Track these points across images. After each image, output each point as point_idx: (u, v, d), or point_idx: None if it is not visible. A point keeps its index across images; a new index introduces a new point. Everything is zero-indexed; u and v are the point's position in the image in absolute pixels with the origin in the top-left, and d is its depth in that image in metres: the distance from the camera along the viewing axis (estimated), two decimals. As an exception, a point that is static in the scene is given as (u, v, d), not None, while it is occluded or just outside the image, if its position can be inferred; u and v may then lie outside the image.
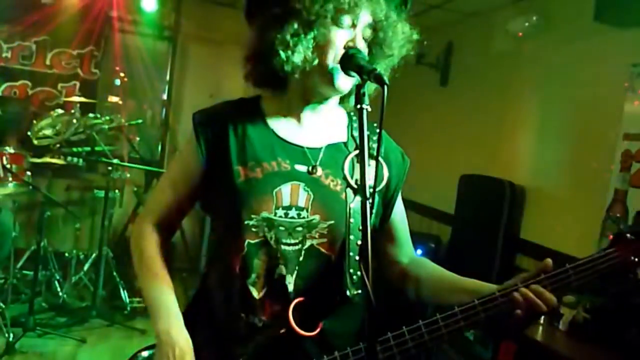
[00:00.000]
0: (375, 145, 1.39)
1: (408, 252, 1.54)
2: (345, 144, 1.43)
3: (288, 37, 1.28)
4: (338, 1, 1.28)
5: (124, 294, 4.29)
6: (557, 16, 3.39)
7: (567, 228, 3.11)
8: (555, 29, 3.40)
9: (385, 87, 1.13)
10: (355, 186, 1.35)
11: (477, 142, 4.03)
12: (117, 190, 4.56)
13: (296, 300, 1.29)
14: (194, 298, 1.48)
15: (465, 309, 1.23)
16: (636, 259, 1.27)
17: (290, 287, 1.29)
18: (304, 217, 1.31)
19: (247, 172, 1.32)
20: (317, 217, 1.32)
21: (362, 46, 1.33)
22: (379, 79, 1.15)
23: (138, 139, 4.90)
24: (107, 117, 4.57)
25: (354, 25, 1.32)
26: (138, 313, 4.28)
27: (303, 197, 1.33)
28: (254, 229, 1.29)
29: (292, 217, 1.31)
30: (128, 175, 4.58)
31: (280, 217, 1.30)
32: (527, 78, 3.65)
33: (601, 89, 3.06)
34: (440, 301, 1.40)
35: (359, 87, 1.21)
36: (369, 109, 1.19)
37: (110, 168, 4.29)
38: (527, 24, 3.45)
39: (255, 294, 1.29)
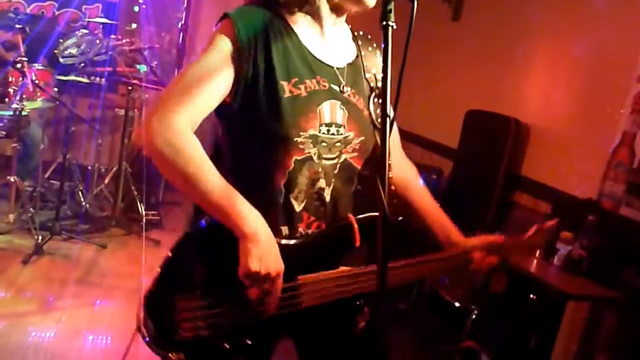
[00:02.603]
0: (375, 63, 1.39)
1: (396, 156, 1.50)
2: (358, 58, 1.38)
3: None
4: None
5: (140, 207, 4.20)
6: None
7: (570, 168, 2.88)
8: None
9: (415, 2, 1.03)
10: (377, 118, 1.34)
11: (485, 79, 3.73)
12: (136, 110, 4.41)
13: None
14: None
15: (423, 261, 1.35)
16: None
17: (327, 199, 1.29)
18: (341, 134, 1.29)
19: (292, 88, 1.21)
20: (352, 133, 1.31)
21: None
22: None
23: (155, 62, 4.71)
24: (127, 40, 4.42)
25: None
26: (153, 225, 4.24)
27: (340, 115, 1.29)
28: (301, 146, 1.22)
29: (333, 134, 1.27)
30: (146, 95, 4.43)
31: (324, 133, 1.26)
32: (541, 17, 3.31)
33: (617, 30, 2.75)
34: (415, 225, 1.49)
35: (385, 3, 1.04)
36: (395, 27, 1.03)
37: (130, 88, 4.15)
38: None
39: (297, 207, 1.26)
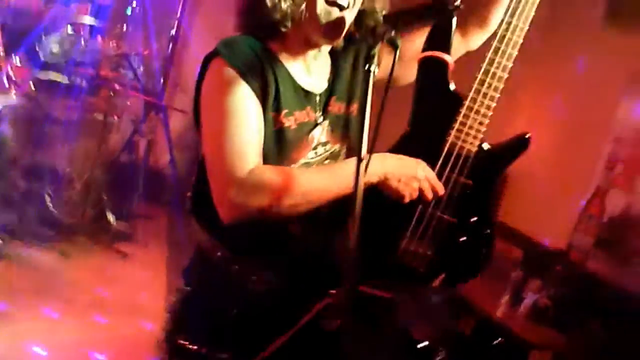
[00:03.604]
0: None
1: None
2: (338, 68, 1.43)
3: None
4: None
5: (110, 216, 4.15)
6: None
7: (544, 216, 2.99)
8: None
9: (397, 50, 1.13)
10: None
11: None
12: (115, 117, 4.37)
13: None
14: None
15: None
16: None
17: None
18: (328, 150, 1.37)
19: (283, 119, 1.26)
20: (337, 146, 1.39)
21: None
22: (392, 45, 1.13)
23: (142, 68, 4.70)
24: (114, 43, 4.38)
25: None
26: (122, 237, 4.17)
27: (324, 133, 1.37)
28: None
29: (321, 154, 1.35)
30: (128, 103, 4.40)
31: (313, 157, 1.33)
32: (524, 71, 3.43)
33: (595, 91, 2.91)
34: None
35: (369, 48, 1.15)
36: (377, 72, 1.13)
37: (112, 93, 4.12)
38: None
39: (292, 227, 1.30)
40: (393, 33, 1.12)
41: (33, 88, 4.08)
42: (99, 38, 4.42)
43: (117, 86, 4.17)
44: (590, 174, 2.78)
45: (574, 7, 3.13)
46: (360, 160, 1.07)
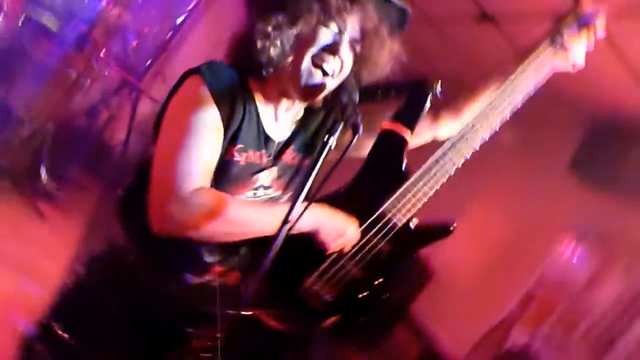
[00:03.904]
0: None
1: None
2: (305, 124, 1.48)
3: (269, 28, 1.23)
4: (324, 1, 1.22)
5: (43, 172, 4.03)
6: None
7: (455, 323, 3.09)
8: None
9: (356, 136, 1.17)
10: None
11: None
12: (88, 80, 4.25)
13: None
14: None
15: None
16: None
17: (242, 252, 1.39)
18: (268, 194, 1.39)
19: (234, 153, 1.28)
20: (279, 192, 1.42)
21: (347, 57, 1.30)
22: (354, 130, 1.17)
23: (134, 44, 4.65)
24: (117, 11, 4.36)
25: (341, 32, 1.27)
26: (46, 196, 4.01)
27: (269, 178, 1.39)
28: None
29: (260, 196, 1.38)
30: (106, 72, 4.32)
31: (251, 197, 1.36)
32: (474, 184, 3.64)
33: (541, 226, 3.08)
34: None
35: (334, 122, 1.21)
36: (332, 148, 1.18)
37: (94, 57, 4.07)
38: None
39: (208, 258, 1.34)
40: (359, 119, 1.19)
41: (20, 22, 3.99)
42: (104, 1, 4.38)
43: (102, 53, 4.12)
44: (509, 302, 2.91)
45: (542, 147, 3.35)
46: (292, 208, 1.12)
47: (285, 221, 1.12)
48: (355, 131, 1.17)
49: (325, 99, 1.41)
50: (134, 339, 1.30)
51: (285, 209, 1.14)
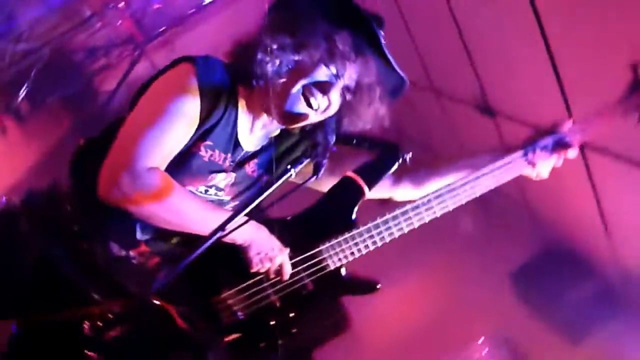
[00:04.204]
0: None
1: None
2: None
3: (275, 46, 1.28)
4: (332, 43, 1.28)
5: (23, 90, 4.00)
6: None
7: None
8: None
9: (314, 177, 1.25)
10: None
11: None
12: (99, 23, 4.30)
13: None
14: None
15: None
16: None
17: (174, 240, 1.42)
18: (218, 196, 1.42)
19: (201, 147, 1.32)
20: (228, 198, 1.45)
21: (336, 100, 1.34)
22: (316, 169, 1.25)
23: (154, 7, 4.65)
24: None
25: (338, 76, 1.31)
26: (15, 112, 4.03)
27: (225, 182, 1.42)
28: None
29: (209, 195, 1.41)
30: (119, 22, 4.35)
31: (200, 193, 1.39)
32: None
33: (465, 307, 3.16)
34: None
35: (302, 155, 1.34)
36: (293, 177, 1.26)
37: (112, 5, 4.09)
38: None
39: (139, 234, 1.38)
40: (324, 162, 1.25)
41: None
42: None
43: (122, 3, 4.14)
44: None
45: (493, 245, 3.44)
46: (233, 217, 1.17)
47: (222, 228, 1.15)
48: (316, 171, 1.22)
49: (303, 129, 1.47)
50: (37, 282, 1.30)
51: (225, 216, 1.18)
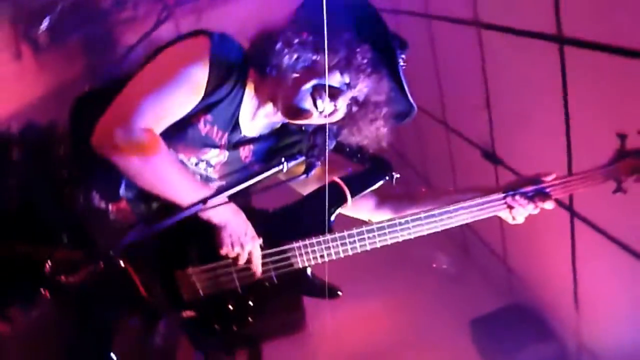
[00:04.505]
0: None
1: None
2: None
3: (296, 40, 1.30)
4: (352, 53, 1.31)
5: (45, 23, 3.93)
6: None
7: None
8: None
9: (303, 176, 1.31)
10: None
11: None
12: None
13: None
14: None
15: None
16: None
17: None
18: (205, 172, 1.44)
19: (201, 120, 1.34)
20: (215, 176, 1.46)
21: (342, 108, 1.37)
22: (307, 169, 1.21)
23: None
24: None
25: (349, 86, 1.34)
26: (33, 42, 3.94)
27: (217, 159, 1.43)
28: None
29: (198, 167, 1.42)
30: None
31: (189, 165, 1.40)
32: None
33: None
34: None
35: (297, 152, 1.38)
36: (284, 171, 1.34)
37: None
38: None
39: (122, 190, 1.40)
40: (316, 164, 1.28)
41: None
42: None
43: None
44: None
45: (460, 287, 3.46)
46: (215, 194, 1.21)
47: (203, 202, 1.18)
48: (306, 171, 1.25)
49: (306, 129, 1.50)
50: (12, 212, 1.32)
51: (208, 192, 1.19)
